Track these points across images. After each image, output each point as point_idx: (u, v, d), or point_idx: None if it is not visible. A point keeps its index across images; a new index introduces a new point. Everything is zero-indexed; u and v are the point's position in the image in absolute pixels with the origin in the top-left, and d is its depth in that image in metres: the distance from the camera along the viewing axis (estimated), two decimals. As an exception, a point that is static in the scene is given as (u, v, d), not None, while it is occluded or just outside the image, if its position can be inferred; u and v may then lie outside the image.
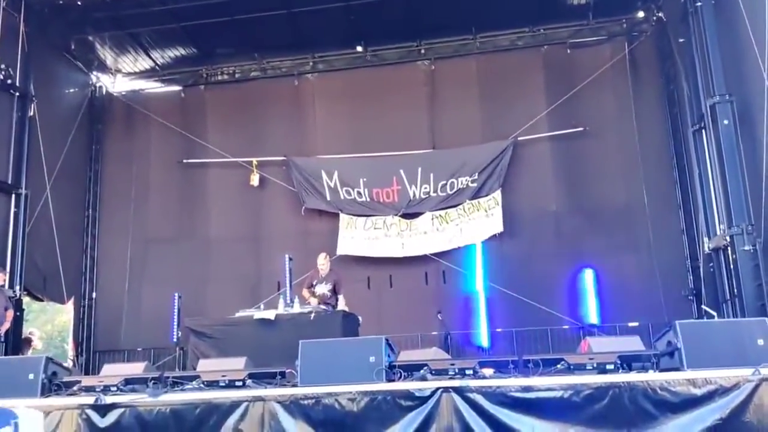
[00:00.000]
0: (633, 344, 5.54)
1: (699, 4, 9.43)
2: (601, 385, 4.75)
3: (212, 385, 5.53)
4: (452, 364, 5.30)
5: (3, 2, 11.28)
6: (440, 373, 5.24)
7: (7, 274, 10.65)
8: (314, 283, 9.39)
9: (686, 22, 9.92)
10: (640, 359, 5.09)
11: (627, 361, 5.17)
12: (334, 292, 9.28)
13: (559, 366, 5.09)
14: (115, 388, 5.58)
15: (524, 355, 5.22)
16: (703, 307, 10.71)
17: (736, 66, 9.03)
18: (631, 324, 11.31)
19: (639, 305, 11.67)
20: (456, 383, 4.92)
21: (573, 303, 12.14)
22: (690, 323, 5.44)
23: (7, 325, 9.93)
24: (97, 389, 5.63)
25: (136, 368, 6.09)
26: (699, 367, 4.87)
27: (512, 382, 4.87)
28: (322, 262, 9.50)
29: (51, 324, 12.50)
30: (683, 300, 11.69)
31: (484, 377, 5.15)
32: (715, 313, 9.77)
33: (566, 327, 11.92)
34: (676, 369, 5.00)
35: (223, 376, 5.55)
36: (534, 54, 13.45)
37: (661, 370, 5.07)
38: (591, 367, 5.05)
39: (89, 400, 5.35)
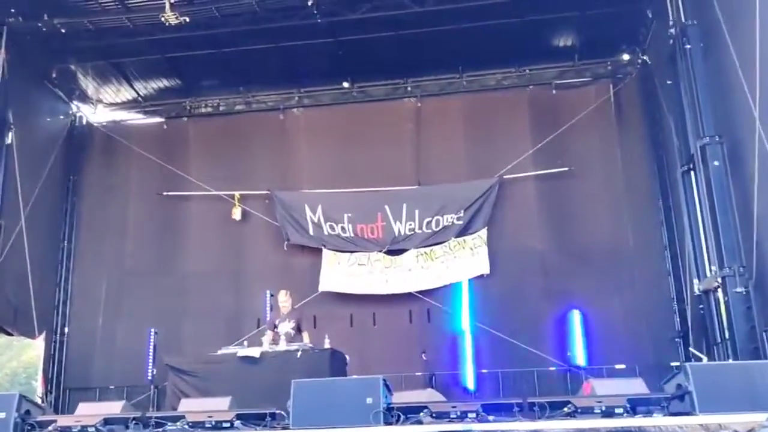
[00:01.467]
0: (638, 387, 5.36)
1: (688, 46, 9.48)
2: (611, 429, 4.55)
3: (197, 426, 5.22)
4: (454, 407, 5.07)
5: (-17, 28, 11.09)
6: (441, 416, 5.01)
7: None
8: (277, 322, 9.04)
9: (673, 64, 9.97)
10: (649, 403, 4.90)
11: (633, 405, 4.98)
12: (299, 330, 8.94)
13: (566, 409, 4.88)
14: (93, 429, 5.24)
15: (529, 398, 5.00)
16: (690, 349, 10.58)
17: (725, 107, 9.06)
18: (618, 366, 11.20)
19: (626, 347, 11.56)
20: (459, 427, 4.69)
21: (559, 344, 11.96)
22: (701, 365, 5.32)
23: None
24: (74, 430, 5.29)
25: (114, 408, 5.76)
26: (711, 411, 4.70)
27: (518, 426, 4.66)
28: (284, 299, 9.19)
29: (17, 360, 11.99)
30: (670, 342, 11.60)
31: (488, 421, 4.92)
32: (703, 356, 9.64)
33: (553, 369, 11.73)
34: (687, 413, 4.83)
35: (210, 416, 5.25)
36: (520, 94, 13.51)
37: (671, 414, 4.89)
38: (599, 411, 4.85)
39: (66, 441, 5.02)
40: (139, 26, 11.92)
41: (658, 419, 4.68)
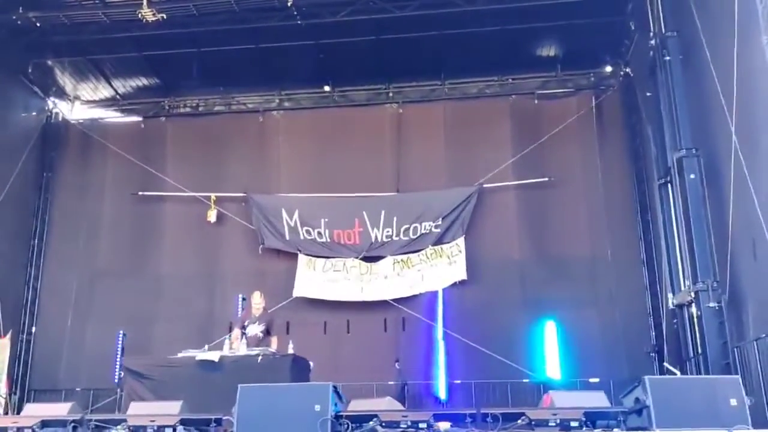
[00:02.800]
0: (598, 400, 5.20)
1: (667, 58, 9.42)
2: (565, 443, 4.38)
3: (139, 430, 5.02)
4: (404, 416, 4.89)
5: (-43, 21, 10.90)
6: (391, 425, 4.83)
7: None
8: (246, 323, 8.84)
9: (654, 76, 9.90)
10: (607, 416, 4.74)
11: (592, 419, 4.82)
12: (268, 333, 8.75)
13: (519, 422, 4.71)
14: (30, 431, 5.02)
15: (483, 409, 4.82)
16: (665, 364, 10.45)
17: (703, 120, 8.97)
18: (591, 380, 11.05)
19: (600, 360, 11.43)
20: (408, 437, 4.52)
21: (534, 355, 11.81)
22: (660, 379, 5.17)
23: None
24: (10, 431, 5.07)
25: (60, 409, 5.54)
26: (669, 426, 4.54)
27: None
28: (258, 301, 8.98)
29: None
30: (645, 357, 11.45)
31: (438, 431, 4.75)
32: (677, 371, 9.51)
33: (526, 381, 11.57)
34: (645, 428, 4.67)
35: (152, 421, 5.05)
36: (501, 103, 13.42)
37: (629, 429, 4.73)
38: (554, 424, 4.70)
39: (0, 443, 4.80)
40: (116, 22, 11.78)
41: (613, 434, 4.53)
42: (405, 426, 4.80)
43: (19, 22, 11.55)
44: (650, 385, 4.74)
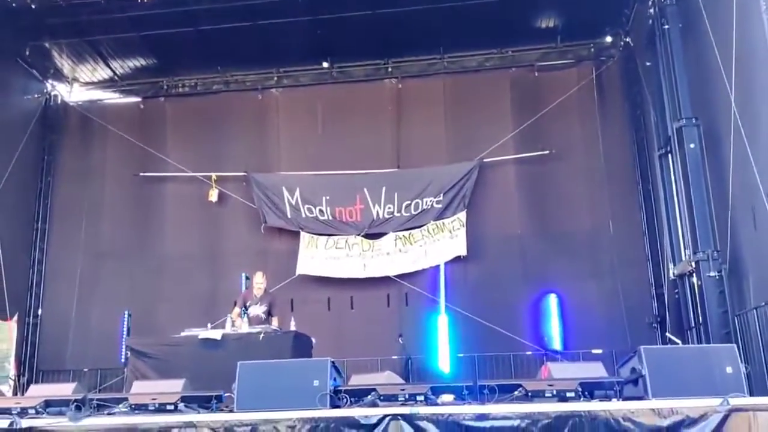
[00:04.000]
0: (595, 370, 5.24)
1: (666, 27, 9.34)
2: (561, 414, 4.42)
3: (141, 408, 5.08)
4: (402, 390, 4.93)
5: (-48, 4, 10.83)
6: (390, 399, 4.88)
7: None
8: (248, 303, 8.86)
9: (653, 45, 9.82)
10: (603, 387, 4.79)
11: (589, 389, 4.87)
12: (269, 314, 8.77)
13: (516, 393, 4.75)
14: (33, 411, 5.09)
15: (480, 381, 4.86)
16: (667, 334, 10.49)
17: (702, 89, 8.91)
18: (594, 351, 11.08)
19: (603, 332, 11.46)
20: (405, 410, 4.56)
21: (536, 328, 11.88)
22: (655, 349, 5.19)
23: None
24: (14, 411, 5.13)
25: (63, 389, 5.61)
26: (664, 395, 4.57)
27: (466, 410, 4.52)
28: (260, 281, 9.01)
29: (5, 341, 11.83)
30: (648, 327, 11.47)
31: (436, 404, 4.80)
32: (679, 341, 9.55)
33: (529, 353, 11.64)
34: (641, 398, 4.71)
35: (153, 399, 5.11)
36: (501, 76, 13.31)
37: (625, 399, 4.78)
38: (550, 395, 4.73)
39: (3, 423, 4.85)
40: (112, 2, 11.63)
41: (608, 404, 4.55)
42: (403, 399, 4.85)
43: (14, 5, 11.43)
44: (646, 354, 4.76)
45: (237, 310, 8.68)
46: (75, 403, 4.98)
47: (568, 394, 4.70)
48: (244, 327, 7.95)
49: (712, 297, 8.16)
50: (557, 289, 11.93)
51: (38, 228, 13.45)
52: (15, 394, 10.32)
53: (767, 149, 7.09)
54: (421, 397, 4.82)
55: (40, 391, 5.79)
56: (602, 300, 11.81)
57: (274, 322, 8.58)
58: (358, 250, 12.66)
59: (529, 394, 4.78)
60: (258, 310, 8.85)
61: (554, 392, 4.76)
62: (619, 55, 12.87)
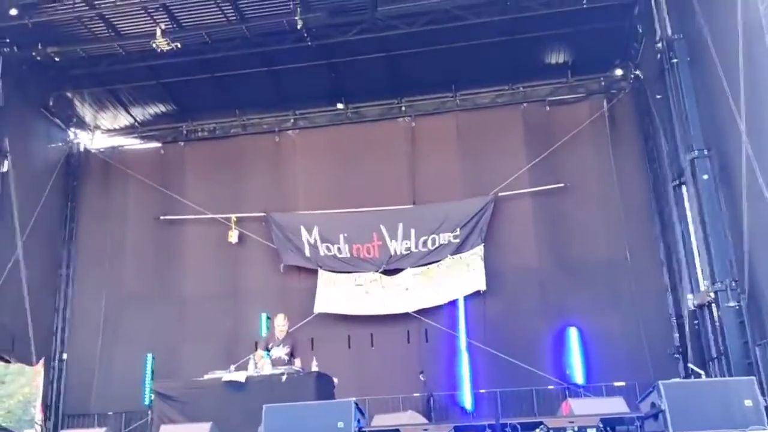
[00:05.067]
0: (616, 406, 5.29)
1: (675, 60, 9.48)
2: (583, 450, 4.48)
3: (171, 453, 5.19)
4: (425, 429, 5.01)
5: (-20, 58, 11.26)
6: (413, 438, 4.95)
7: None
8: (270, 345, 8.94)
9: (663, 78, 9.96)
10: (624, 422, 4.83)
11: (611, 425, 4.91)
12: (292, 355, 8.84)
13: (538, 430, 4.81)
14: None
15: (502, 419, 4.93)
16: (689, 365, 10.44)
17: (713, 121, 9.01)
18: (616, 384, 11.03)
19: (625, 364, 11.42)
20: (429, 450, 4.63)
21: (557, 362, 11.86)
22: (674, 383, 5.21)
23: None
24: (48, 459, 5.25)
25: (94, 435, 5.71)
26: (685, 430, 4.61)
27: (487, 449, 4.59)
28: (281, 323, 9.05)
29: (29, 386, 11.94)
30: (670, 358, 11.43)
31: (459, 443, 4.87)
32: (702, 372, 9.51)
33: (551, 387, 11.59)
34: (661, 432, 4.76)
35: (183, 443, 5.22)
36: (513, 111, 13.52)
37: (645, 434, 4.82)
38: (572, 431, 4.78)
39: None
40: (131, 53, 12.13)
41: (629, 439, 4.61)
42: (426, 439, 4.93)
43: (38, 58, 11.91)
44: (665, 389, 4.82)
45: (260, 352, 8.78)
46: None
47: (589, 430, 4.76)
48: (266, 368, 8.04)
49: (732, 327, 8.16)
50: (577, 322, 11.94)
51: (62, 273, 13.73)
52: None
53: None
54: (445, 437, 4.91)
55: (70, 438, 5.90)
56: (623, 331, 11.78)
57: (297, 363, 8.66)
58: (377, 287, 12.78)
59: (551, 431, 4.84)
60: (281, 351, 8.91)
61: (576, 429, 4.82)
62: (630, 88, 13.04)
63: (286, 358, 8.79)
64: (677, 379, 8.83)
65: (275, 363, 8.45)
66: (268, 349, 8.89)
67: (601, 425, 4.79)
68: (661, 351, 11.48)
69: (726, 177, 8.78)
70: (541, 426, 4.84)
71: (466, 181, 13.17)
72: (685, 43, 9.49)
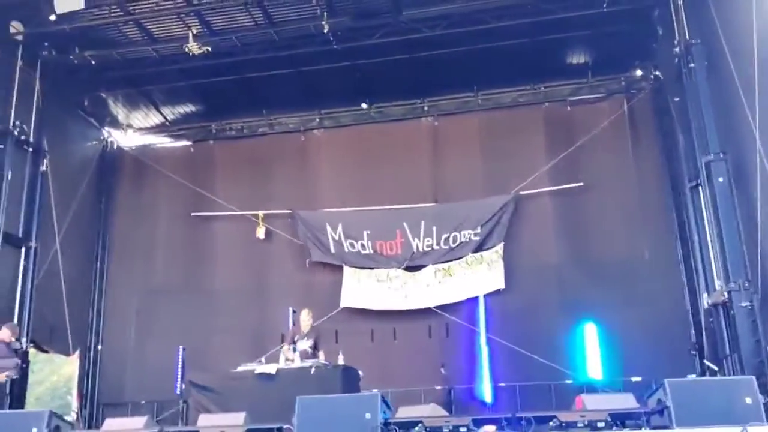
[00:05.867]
0: (625, 402, 5.61)
1: (692, 65, 9.68)
2: (593, 442, 4.81)
3: (210, 440, 5.61)
4: (447, 421, 5.38)
5: (20, 61, 11.76)
6: (435, 430, 5.32)
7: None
8: (295, 339, 9.32)
9: (680, 81, 10.17)
10: (632, 417, 5.15)
11: (620, 419, 5.23)
12: (315, 348, 9.21)
13: (551, 423, 5.16)
14: (115, 444, 5.66)
15: (520, 412, 5.29)
16: (705, 362, 10.67)
17: (729, 124, 9.22)
18: (634, 379, 11.26)
19: (642, 360, 11.58)
20: (450, 440, 5.00)
21: (576, 357, 12.11)
22: (679, 381, 5.50)
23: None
24: (98, 444, 5.71)
25: (137, 423, 6.17)
26: (687, 425, 4.93)
27: (505, 440, 4.95)
28: (306, 318, 9.45)
29: (57, 375, 12.53)
30: (687, 354, 11.64)
31: (476, 434, 5.23)
32: (716, 369, 9.75)
33: (569, 381, 11.85)
34: (666, 427, 5.07)
35: (222, 431, 5.64)
36: (534, 111, 13.75)
37: (653, 428, 5.13)
38: (582, 425, 5.12)
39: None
40: (164, 56, 12.58)
41: (635, 433, 4.94)
42: (447, 430, 5.29)
43: (75, 62, 12.40)
44: (670, 387, 5.13)
45: (286, 346, 9.19)
46: (152, 436, 5.55)
47: (599, 424, 5.09)
48: (296, 361, 8.47)
49: (745, 326, 8.40)
50: (596, 318, 12.16)
51: (97, 267, 14.26)
52: (87, 427, 10.91)
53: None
54: (464, 429, 5.27)
55: (115, 425, 6.36)
56: (640, 328, 11.94)
57: (321, 356, 9.05)
58: (399, 283, 13.12)
59: (563, 424, 5.18)
60: (305, 345, 9.29)
61: (586, 422, 5.15)
62: (650, 88, 13.20)
63: (310, 350, 9.16)
64: (691, 377, 9.07)
65: (300, 355, 8.87)
66: (294, 342, 9.30)
67: (609, 419, 5.13)
68: (678, 348, 11.69)
69: (741, 180, 8.99)
70: (554, 420, 5.19)
71: (487, 179, 13.45)
72: (703, 48, 9.68)
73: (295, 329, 9.63)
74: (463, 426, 5.26)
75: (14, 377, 10.05)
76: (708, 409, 5.02)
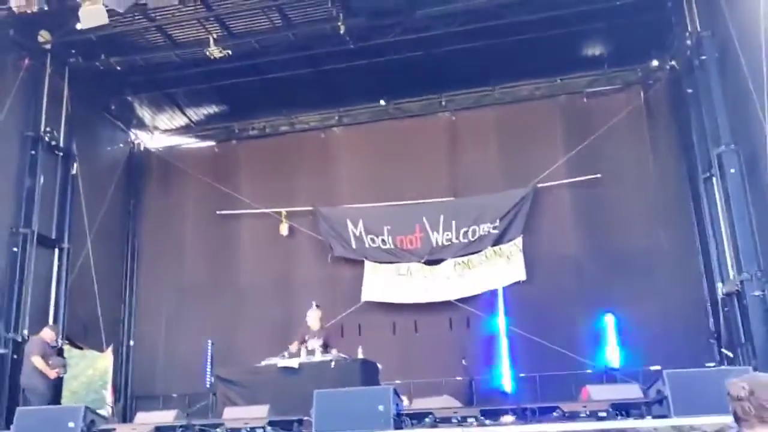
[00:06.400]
0: (628, 392, 5.82)
1: (704, 57, 9.76)
2: (595, 431, 5.03)
3: (235, 432, 5.95)
4: (455, 412, 5.64)
5: (48, 69, 12.20)
6: (444, 421, 5.59)
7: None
8: (306, 338, 9.54)
9: (692, 73, 10.25)
10: (632, 406, 5.36)
11: (624, 409, 5.45)
12: (326, 345, 9.34)
13: (554, 414, 5.39)
14: (146, 436, 6.02)
15: (541, 402, 5.53)
16: (722, 350, 10.78)
17: (741, 116, 9.30)
18: (653, 368, 11.34)
19: (661, 348, 11.65)
20: (458, 430, 5.25)
21: (595, 347, 12.26)
22: (678, 372, 5.69)
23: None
24: (131, 437, 6.09)
25: (167, 416, 6.54)
26: (685, 414, 5.13)
27: (510, 429, 5.19)
28: (314, 317, 9.62)
29: (92, 369, 13.04)
30: (705, 343, 11.72)
31: (484, 424, 5.48)
32: (732, 356, 9.87)
33: (589, 371, 12.01)
34: (665, 416, 5.27)
35: (246, 423, 5.97)
36: (552, 103, 13.85)
37: (654, 417, 5.34)
38: (584, 415, 5.34)
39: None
40: (186, 60, 12.92)
41: (635, 422, 5.15)
42: (456, 421, 5.55)
43: (101, 68, 12.81)
44: (668, 378, 5.33)
45: (295, 344, 9.41)
46: (180, 429, 5.90)
47: (601, 414, 5.31)
48: (317, 355, 8.79)
49: (757, 315, 8.53)
50: (614, 309, 12.29)
51: (127, 266, 14.72)
52: (123, 420, 11.36)
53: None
54: (472, 419, 5.52)
55: (147, 419, 6.74)
56: (659, 317, 12.04)
57: (334, 353, 9.26)
58: (420, 276, 13.34)
59: (566, 414, 5.40)
60: (315, 344, 9.39)
61: (588, 413, 5.37)
62: (666, 78, 13.17)
63: (321, 350, 9.22)
64: (710, 365, 9.23)
65: (309, 354, 9.10)
66: (304, 341, 9.50)
67: (610, 409, 5.34)
68: (696, 336, 11.78)
69: (753, 171, 9.09)
70: (557, 410, 5.41)
71: (505, 173, 13.59)
72: (714, 40, 9.75)
73: (305, 329, 9.84)
74: (471, 417, 5.52)
75: (63, 375, 10.53)
76: (705, 398, 5.19)
